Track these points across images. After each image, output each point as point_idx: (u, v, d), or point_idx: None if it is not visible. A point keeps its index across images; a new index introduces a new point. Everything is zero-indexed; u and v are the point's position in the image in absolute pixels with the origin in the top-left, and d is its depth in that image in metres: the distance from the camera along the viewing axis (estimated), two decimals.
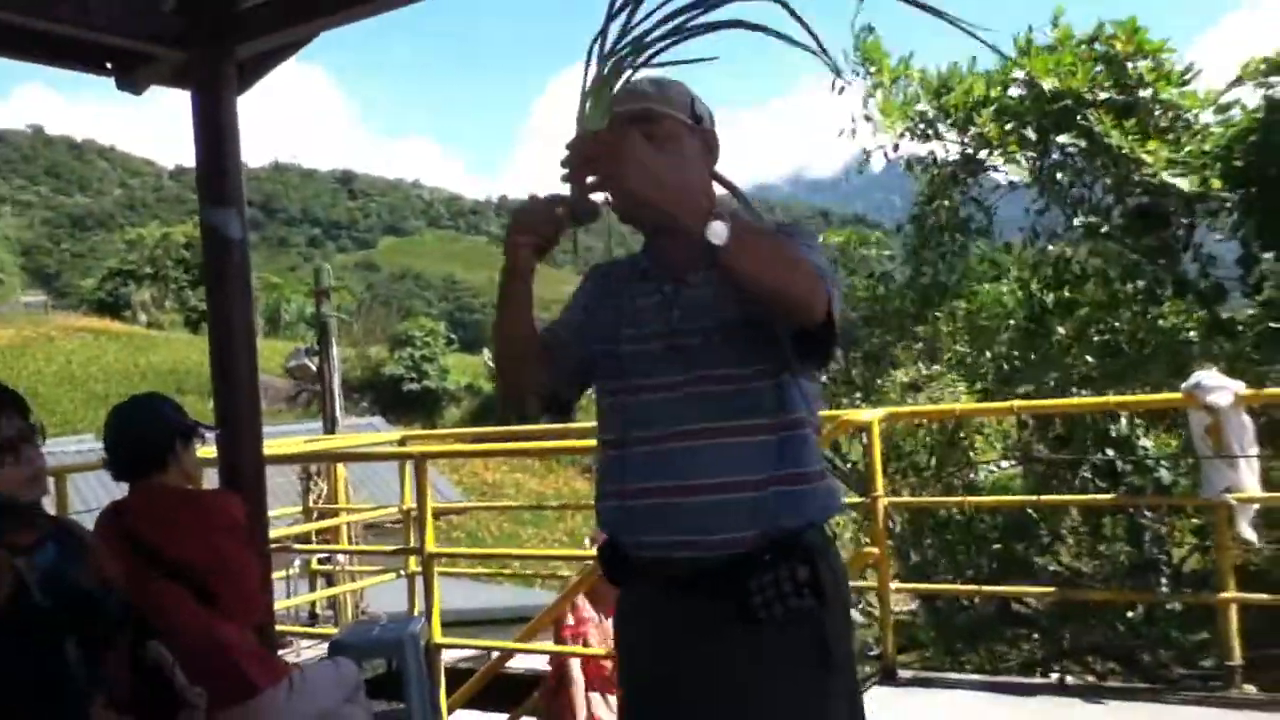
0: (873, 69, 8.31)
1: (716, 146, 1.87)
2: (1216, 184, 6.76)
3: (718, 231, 1.50)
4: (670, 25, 1.68)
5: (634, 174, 1.50)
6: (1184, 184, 6.85)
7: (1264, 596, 4.66)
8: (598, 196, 1.63)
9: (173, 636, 2.47)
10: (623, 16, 1.67)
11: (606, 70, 1.67)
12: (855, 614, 9.03)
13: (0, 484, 2.05)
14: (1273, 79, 6.79)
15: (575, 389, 1.94)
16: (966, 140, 8.07)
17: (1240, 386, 4.36)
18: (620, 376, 1.83)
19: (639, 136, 1.57)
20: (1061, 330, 7.77)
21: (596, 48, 1.68)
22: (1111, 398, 5.90)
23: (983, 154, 8.07)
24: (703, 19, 1.68)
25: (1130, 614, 7.20)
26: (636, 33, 1.67)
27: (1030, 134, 7.38)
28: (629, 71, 1.70)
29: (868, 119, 8.35)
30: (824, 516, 1.81)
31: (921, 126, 8.17)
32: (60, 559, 2.15)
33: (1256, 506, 4.43)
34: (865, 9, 8.16)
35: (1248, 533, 4.37)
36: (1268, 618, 5.34)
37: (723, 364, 1.74)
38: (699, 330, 1.76)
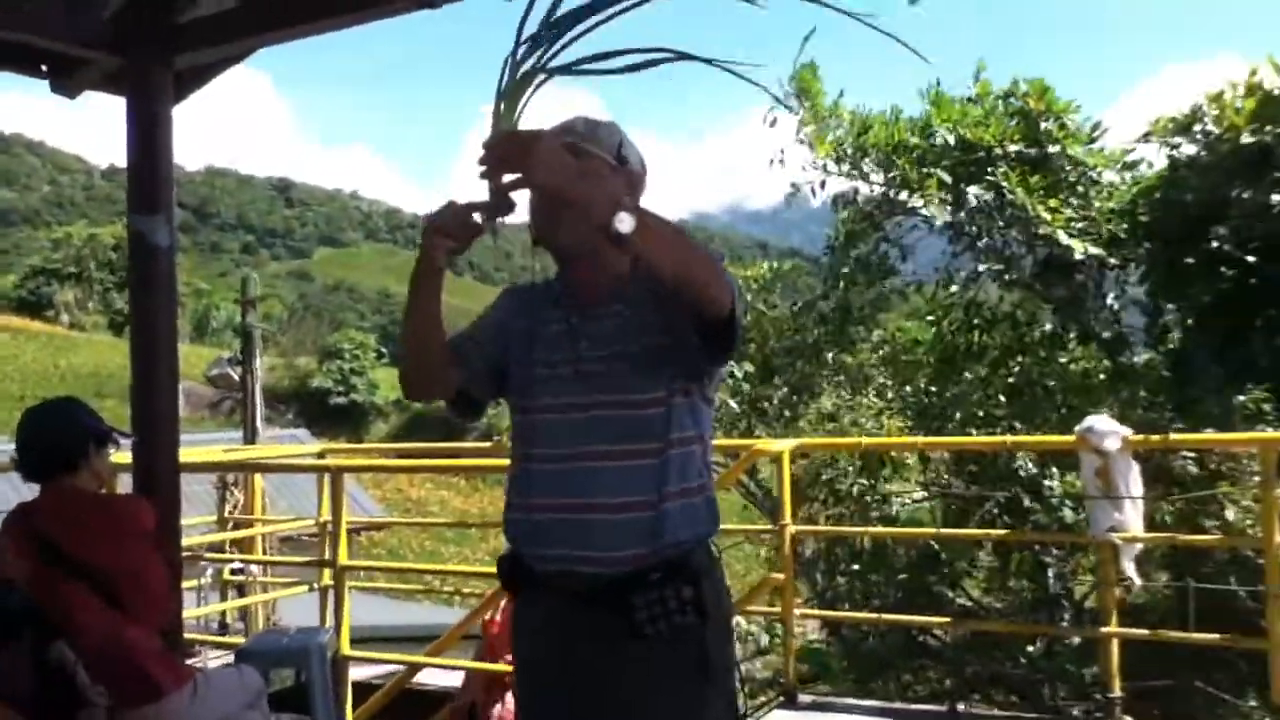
0: (807, 102, 8.53)
1: (640, 188, 1.96)
2: (1120, 237, 7.06)
3: (624, 219, 1.61)
4: (583, 30, 1.79)
5: (543, 167, 1.62)
6: (1078, 246, 7.14)
7: (1143, 632, 4.88)
8: (515, 195, 1.75)
9: (79, 637, 2.51)
10: (538, 26, 1.79)
11: (520, 76, 1.78)
12: (764, 638, 9.21)
13: None
14: (1176, 139, 7.12)
15: (488, 390, 2.02)
16: (887, 181, 8.34)
17: (1128, 432, 4.58)
18: (530, 396, 1.94)
19: (549, 135, 1.68)
20: (971, 373, 8.03)
21: (511, 57, 1.79)
22: (1008, 438, 6.13)
23: (902, 195, 8.33)
24: (623, 60, 1.81)
25: (1031, 648, 7.43)
26: (555, 43, 1.79)
27: (946, 179, 7.64)
28: (542, 77, 1.80)
29: (802, 143, 8.55)
30: (711, 529, 1.91)
31: (846, 166, 8.42)
32: None
33: (1140, 546, 4.65)
34: (812, 38, 8.39)
35: (1130, 570, 4.58)
36: (1155, 653, 5.59)
37: (620, 390, 1.85)
38: (602, 358, 1.88)
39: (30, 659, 2.29)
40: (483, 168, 1.71)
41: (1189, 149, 7.16)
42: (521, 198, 1.81)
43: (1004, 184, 7.32)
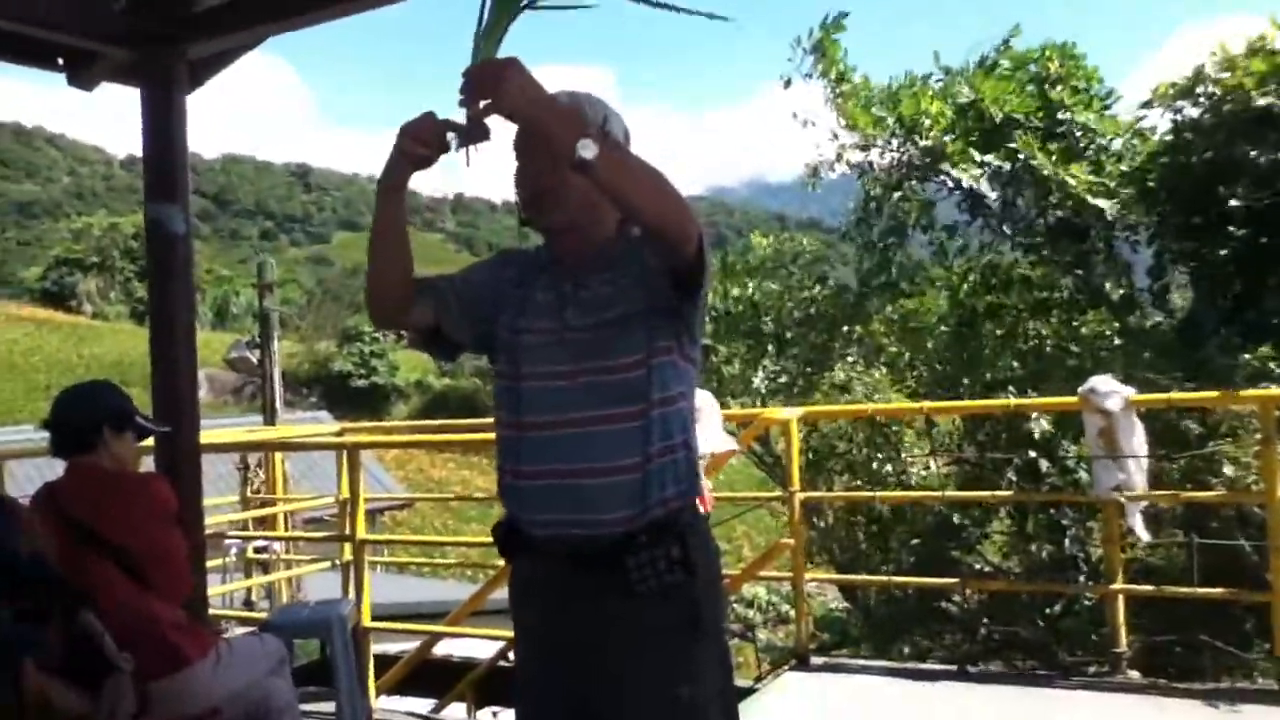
0: (824, 64, 8.54)
1: None
2: (1130, 201, 7.09)
3: (587, 145, 1.66)
4: None
5: (511, 92, 1.67)
6: (1105, 205, 7.18)
7: (1148, 588, 4.95)
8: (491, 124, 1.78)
9: (103, 611, 2.61)
10: None
11: (499, 6, 1.83)
12: (784, 607, 9.29)
13: None
14: (1180, 103, 7.12)
15: (464, 335, 2.06)
16: (913, 149, 8.37)
17: (1131, 391, 4.63)
18: (516, 363, 1.99)
19: (519, 63, 1.71)
20: (990, 334, 8.08)
21: None
22: (1013, 400, 6.17)
23: (927, 160, 8.37)
24: None
25: (1048, 611, 7.49)
26: None
27: (974, 154, 7.69)
28: (523, 4, 1.86)
29: (833, 108, 8.57)
30: (694, 485, 1.97)
31: (873, 134, 8.46)
32: None
33: (1145, 504, 4.71)
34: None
35: (1139, 528, 4.65)
36: (1166, 610, 5.66)
37: (605, 355, 1.91)
38: (589, 326, 1.93)
39: (60, 628, 2.40)
40: (461, 96, 1.75)
41: (1193, 112, 7.15)
42: (513, 166, 1.86)
43: (1022, 151, 7.36)
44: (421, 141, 1.82)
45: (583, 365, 1.92)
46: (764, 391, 9.55)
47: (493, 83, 1.69)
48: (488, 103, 1.73)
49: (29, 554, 2.35)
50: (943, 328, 8.73)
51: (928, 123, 8.03)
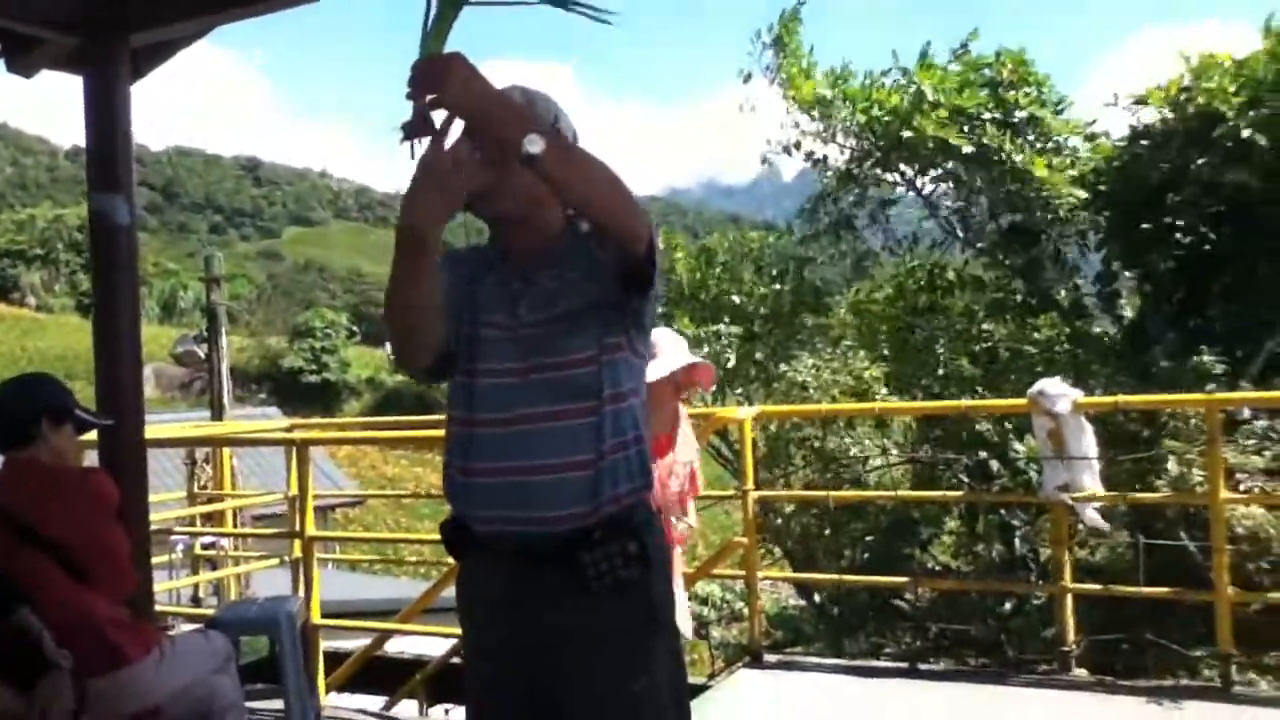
0: (783, 54, 8.61)
1: None
2: (1080, 205, 7.20)
3: (534, 140, 1.64)
4: None
5: (456, 86, 1.65)
6: (1078, 195, 7.28)
7: (1095, 587, 5.01)
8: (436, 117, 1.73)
9: (43, 608, 2.54)
10: None
11: (444, 8, 1.81)
12: (738, 605, 9.31)
13: None
14: (1137, 108, 7.24)
15: (448, 352, 2.01)
16: (860, 146, 8.44)
17: (1079, 394, 4.69)
18: (471, 359, 1.96)
19: (464, 58, 1.68)
20: (934, 331, 8.16)
21: None
22: (965, 401, 6.24)
23: (871, 162, 8.44)
24: None
25: (998, 609, 7.58)
26: None
27: (919, 147, 7.76)
28: (465, 5, 1.84)
29: (784, 94, 8.63)
30: (647, 481, 1.96)
31: (821, 125, 8.51)
32: None
33: (1097, 503, 4.77)
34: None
35: (1098, 523, 4.71)
36: (1115, 610, 5.74)
37: (556, 352, 1.89)
38: (540, 322, 1.91)
39: None
40: (408, 90, 1.71)
41: (1148, 118, 7.28)
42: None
43: (987, 140, 7.44)
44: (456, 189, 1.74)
45: (533, 361, 1.91)
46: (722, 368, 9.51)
47: (438, 77, 1.67)
48: (433, 97, 1.70)
49: None
50: (883, 327, 8.83)
51: (881, 113, 8.10)
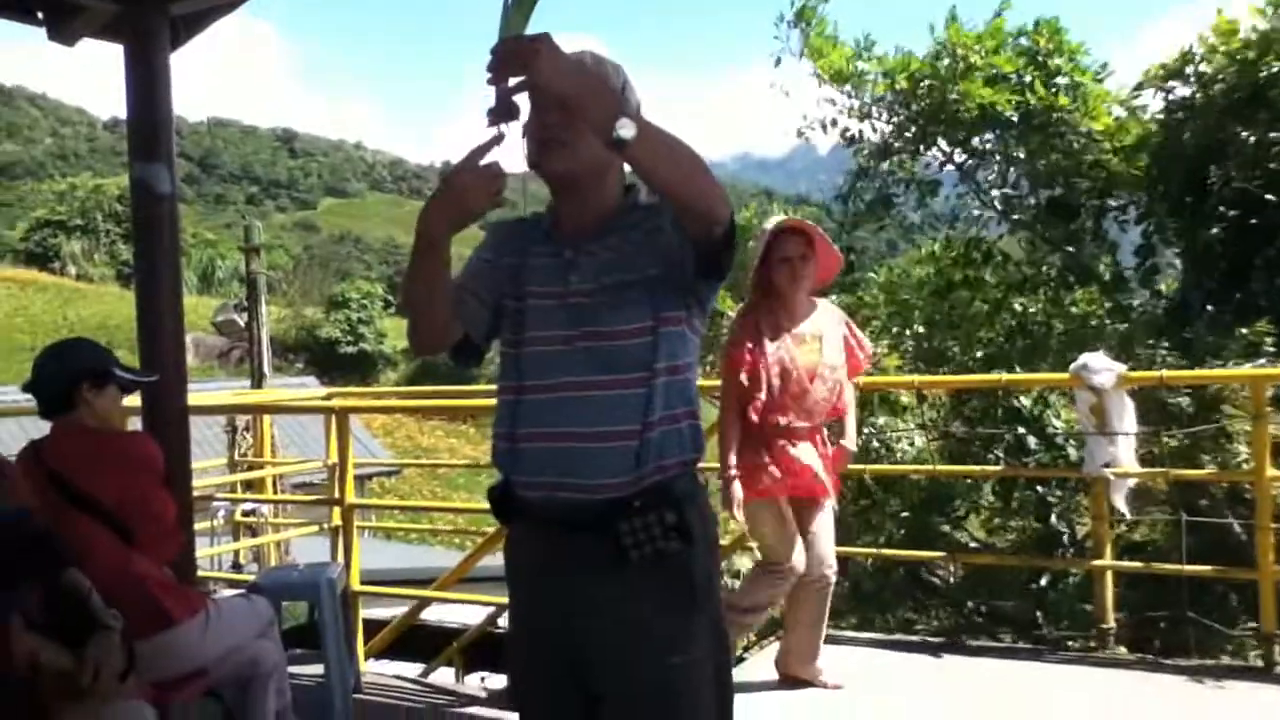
0: (808, 30, 8.50)
1: None
2: (1120, 179, 7.08)
3: (625, 124, 1.62)
4: None
5: (546, 67, 1.61)
6: (1118, 164, 7.16)
7: (1135, 564, 4.96)
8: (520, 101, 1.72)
9: (90, 569, 2.57)
10: None
11: None
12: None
13: None
14: (1172, 83, 7.10)
15: (484, 334, 2.04)
16: (895, 123, 8.34)
17: (1122, 368, 4.62)
18: (519, 330, 1.96)
19: (552, 40, 1.65)
20: (966, 304, 8.08)
21: None
22: (1004, 375, 6.17)
23: (909, 135, 8.33)
24: None
25: (1033, 586, 7.52)
26: None
27: (961, 115, 7.65)
28: None
29: (814, 76, 8.53)
30: (695, 454, 1.94)
31: (855, 102, 8.40)
32: None
33: (1132, 482, 4.71)
34: None
35: (1121, 505, 4.65)
36: (1155, 588, 5.68)
37: (607, 321, 1.88)
38: (591, 291, 1.90)
39: (45, 585, 2.36)
40: (490, 74, 1.68)
41: (1184, 91, 7.13)
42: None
43: (1033, 102, 7.32)
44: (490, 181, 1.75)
45: (582, 329, 1.90)
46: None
47: (526, 58, 1.63)
48: (520, 80, 1.68)
49: (14, 509, 2.31)
50: (918, 299, 8.74)
51: (918, 80, 7.98)
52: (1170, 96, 7.22)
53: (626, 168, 1.97)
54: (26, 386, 3.02)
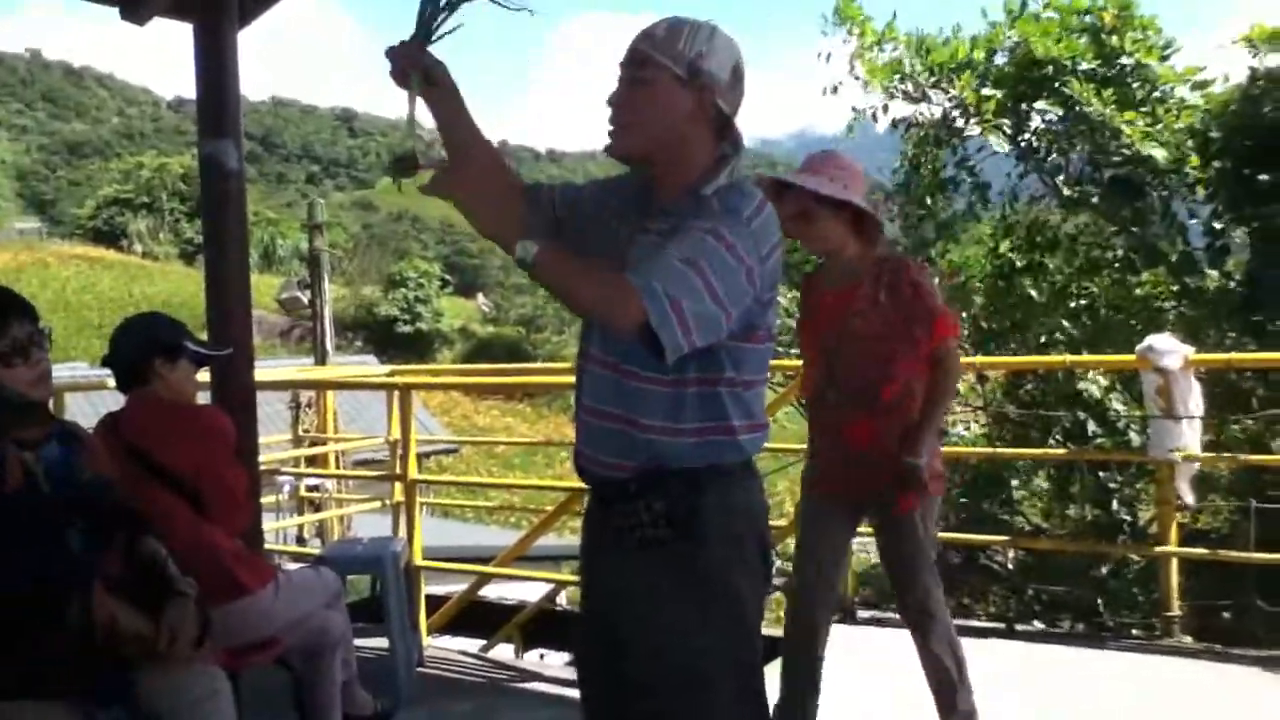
0: (854, 30, 8.42)
1: (711, 106, 1.87)
2: (1193, 160, 6.91)
3: (525, 247, 1.69)
4: None
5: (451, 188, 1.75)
6: (1160, 155, 7.00)
7: (1201, 551, 4.88)
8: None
9: (165, 539, 2.64)
10: None
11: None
12: None
13: (11, 382, 2.19)
14: (1255, 49, 6.90)
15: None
16: (948, 103, 8.22)
17: (1190, 350, 4.54)
18: None
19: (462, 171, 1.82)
20: (1033, 292, 7.95)
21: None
22: (1068, 356, 6.07)
23: (960, 121, 8.22)
24: None
25: (1094, 572, 7.42)
26: None
27: (1008, 101, 7.52)
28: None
29: (856, 79, 8.47)
30: (708, 463, 1.87)
31: (907, 88, 8.30)
32: (64, 454, 2.32)
33: (1196, 467, 4.63)
34: None
35: (1184, 491, 4.57)
36: (1221, 575, 5.59)
37: None
38: None
39: (124, 552, 2.43)
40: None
41: (1271, 61, 6.93)
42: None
43: (1077, 97, 7.16)
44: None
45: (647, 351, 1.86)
46: None
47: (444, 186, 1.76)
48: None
49: (94, 478, 2.38)
50: (977, 283, 8.63)
51: (966, 75, 7.86)
52: (1256, 64, 7.02)
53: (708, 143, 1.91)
54: (104, 360, 3.09)
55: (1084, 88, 7.15)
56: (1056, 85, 7.35)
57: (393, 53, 1.88)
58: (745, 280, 1.76)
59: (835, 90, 8.60)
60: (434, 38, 1.88)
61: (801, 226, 3.11)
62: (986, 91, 7.65)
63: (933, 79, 8.02)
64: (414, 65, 1.87)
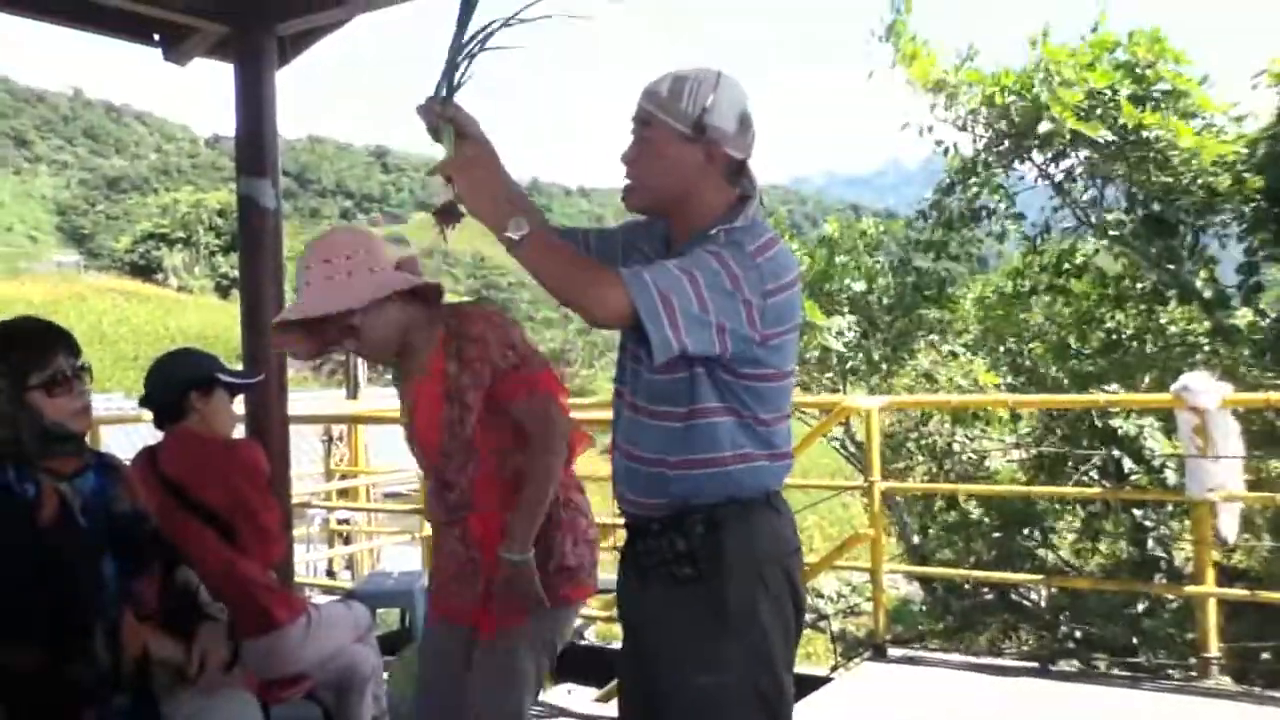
0: (898, 43, 8.46)
1: (721, 156, 1.89)
2: (1252, 182, 6.88)
3: (518, 224, 1.75)
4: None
5: (462, 185, 1.83)
6: (1224, 180, 6.97)
7: (1241, 592, 4.80)
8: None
9: (198, 570, 2.66)
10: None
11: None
12: (855, 600, 9.18)
13: (54, 413, 2.23)
14: None
15: None
16: (988, 133, 8.23)
17: (1227, 389, 4.49)
18: (624, 335, 1.99)
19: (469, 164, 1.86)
20: (1053, 309, 7.95)
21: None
22: (1102, 395, 6.03)
23: (1003, 146, 8.23)
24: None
25: (1129, 611, 7.32)
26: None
27: (1047, 129, 7.52)
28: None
29: (909, 84, 8.48)
30: (728, 495, 1.89)
31: (950, 111, 8.32)
32: (100, 486, 2.35)
33: (1240, 506, 4.57)
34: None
35: (1228, 531, 4.51)
36: (1260, 615, 5.50)
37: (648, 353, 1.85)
38: None
39: (158, 581, 2.45)
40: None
41: None
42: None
43: (1123, 120, 7.16)
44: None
45: (633, 350, 1.97)
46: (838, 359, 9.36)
47: (450, 175, 1.84)
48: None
49: (131, 509, 2.41)
50: (1001, 309, 8.64)
51: (1012, 98, 7.87)
52: None
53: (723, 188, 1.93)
54: (142, 401, 3.14)
55: (1131, 110, 7.16)
56: (1097, 111, 7.35)
57: (424, 110, 1.92)
58: (741, 308, 1.77)
59: (923, 131, 8.64)
60: (456, 90, 1.93)
61: (358, 347, 2.45)
62: (1041, 126, 7.66)
63: (975, 105, 8.05)
64: (445, 120, 1.91)
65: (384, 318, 2.37)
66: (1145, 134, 7.19)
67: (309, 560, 7.59)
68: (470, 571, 2.47)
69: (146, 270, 55.41)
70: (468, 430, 2.39)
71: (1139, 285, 7.86)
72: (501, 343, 2.39)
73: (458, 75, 1.92)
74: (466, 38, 1.91)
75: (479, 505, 2.43)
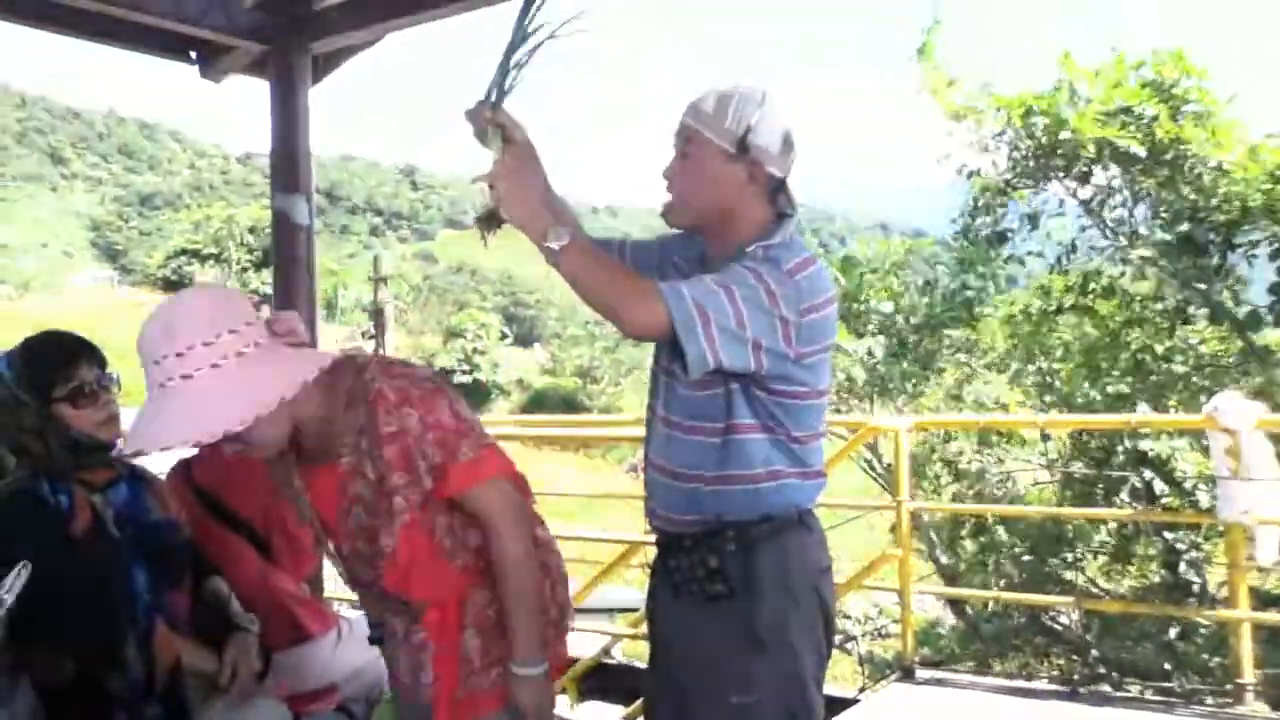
0: (927, 75, 8.48)
1: (764, 175, 1.91)
2: (1252, 209, 6.84)
3: (559, 234, 1.76)
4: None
5: (504, 194, 1.82)
6: (1259, 199, 6.93)
7: (1276, 616, 4.74)
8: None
9: (231, 582, 2.68)
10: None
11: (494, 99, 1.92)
12: (883, 621, 9.11)
13: (81, 424, 2.26)
14: None
15: None
16: (1017, 153, 8.22)
17: (1260, 410, 4.44)
18: (658, 349, 2.02)
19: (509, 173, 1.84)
20: (1079, 330, 7.90)
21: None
22: (1133, 416, 5.98)
23: (1030, 166, 8.22)
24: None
25: (1162, 635, 7.24)
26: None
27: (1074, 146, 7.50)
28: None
29: (945, 107, 8.49)
30: (761, 512, 1.90)
31: (973, 136, 8.32)
32: (132, 497, 2.38)
33: (1278, 529, 4.50)
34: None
35: (1267, 554, 4.44)
36: None
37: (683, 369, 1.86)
38: None
39: (190, 591, 2.48)
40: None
41: None
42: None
43: (1159, 135, 7.12)
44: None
45: (666, 365, 1.98)
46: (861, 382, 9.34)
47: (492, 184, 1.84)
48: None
49: (163, 520, 2.43)
50: (1028, 329, 8.60)
51: (1036, 116, 7.86)
52: None
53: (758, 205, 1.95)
54: None
55: (1168, 124, 7.13)
56: (1129, 128, 7.33)
57: (472, 115, 1.92)
58: (777, 325, 1.78)
59: (958, 165, 8.67)
60: (505, 97, 1.93)
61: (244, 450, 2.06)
62: (1064, 135, 7.64)
63: (1000, 127, 8.04)
64: (493, 124, 1.91)
65: (284, 412, 1.86)
66: (1182, 148, 7.15)
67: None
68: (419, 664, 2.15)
69: (179, 286, 55.84)
70: (384, 538, 1.99)
71: (1164, 304, 7.81)
72: (428, 427, 1.90)
73: (508, 81, 1.92)
74: (519, 43, 1.91)
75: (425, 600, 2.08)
